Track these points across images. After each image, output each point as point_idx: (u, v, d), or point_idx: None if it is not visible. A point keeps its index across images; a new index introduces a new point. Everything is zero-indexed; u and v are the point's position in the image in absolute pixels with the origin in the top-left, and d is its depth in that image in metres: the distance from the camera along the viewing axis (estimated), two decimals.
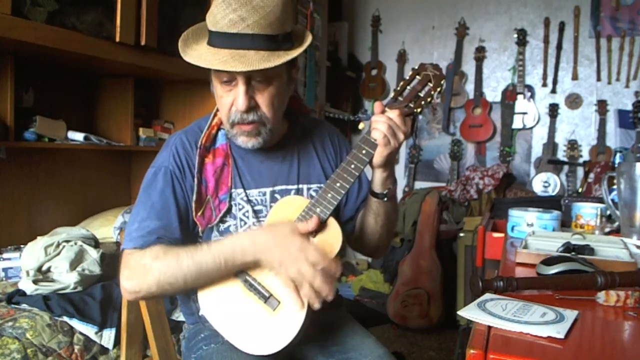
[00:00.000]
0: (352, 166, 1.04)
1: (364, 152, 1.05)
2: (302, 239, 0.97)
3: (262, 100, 1.05)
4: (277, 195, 1.15)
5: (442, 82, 1.08)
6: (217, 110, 1.15)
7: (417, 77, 1.09)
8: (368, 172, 1.12)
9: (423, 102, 1.08)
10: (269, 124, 1.07)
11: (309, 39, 1.09)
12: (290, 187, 1.16)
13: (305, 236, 0.98)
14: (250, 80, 1.02)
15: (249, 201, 1.12)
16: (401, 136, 1.04)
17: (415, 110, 1.08)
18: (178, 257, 0.98)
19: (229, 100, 1.05)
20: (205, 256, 0.98)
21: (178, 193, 1.08)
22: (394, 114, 1.03)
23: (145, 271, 0.98)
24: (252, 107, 1.04)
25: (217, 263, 0.98)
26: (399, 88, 1.09)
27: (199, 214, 1.08)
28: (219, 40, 1.00)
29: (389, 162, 1.07)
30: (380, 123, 1.03)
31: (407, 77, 1.10)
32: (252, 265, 1.00)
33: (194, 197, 1.08)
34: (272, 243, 0.97)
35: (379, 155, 1.05)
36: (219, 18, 0.98)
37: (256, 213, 1.12)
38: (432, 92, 1.08)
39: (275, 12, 0.99)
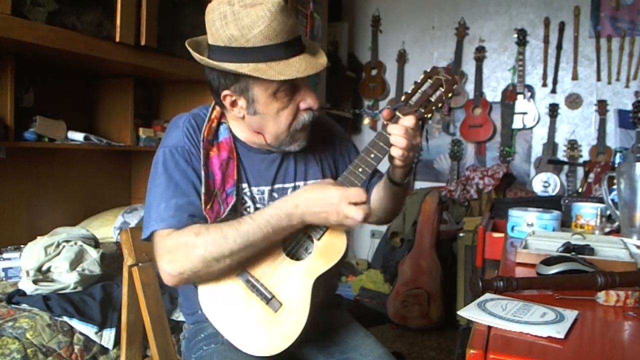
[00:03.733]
0: (360, 170, 1.04)
1: (372, 156, 1.04)
2: (337, 189, 0.98)
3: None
4: (275, 194, 1.15)
5: (454, 87, 1.07)
6: (215, 103, 1.14)
7: (429, 80, 1.07)
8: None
9: (434, 107, 1.07)
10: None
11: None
12: (287, 185, 1.16)
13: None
14: None
15: (252, 197, 1.12)
16: (418, 144, 1.04)
17: (425, 115, 1.06)
18: (222, 231, 0.98)
19: (293, 108, 1.06)
20: (251, 226, 0.98)
21: (198, 171, 1.07)
22: (410, 121, 1.01)
23: (187, 249, 0.97)
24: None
25: (265, 232, 0.98)
26: (410, 91, 1.07)
27: (208, 207, 1.06)
28: (279, 52, 0.99)
29: (409, 163, 1.09)
30: (398, 139, 1.01)
31: (419, 81, 1.08)
32: (300, 225, 1.01)
33: (203, 190, 1.06)
34: (314, 202, 0.98)
35: (399, 164, 1.06)
36: (279, 31, 0.97)
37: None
38: (444, 97, 1.07)
39: (288, 11, 1.01)
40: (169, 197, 1.03)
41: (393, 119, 1.04)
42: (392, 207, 1.21)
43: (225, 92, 1.05)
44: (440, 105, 1.07)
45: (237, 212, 1.11)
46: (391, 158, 1.06)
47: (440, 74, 1.07)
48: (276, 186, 1.15)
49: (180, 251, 0.97)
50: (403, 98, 1.07)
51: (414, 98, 1.07)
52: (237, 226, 0.98)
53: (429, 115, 1.07)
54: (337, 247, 1.04)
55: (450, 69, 1.10)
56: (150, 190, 1.08)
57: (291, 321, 1.01)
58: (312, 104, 1.06)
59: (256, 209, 1.12)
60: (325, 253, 1.03)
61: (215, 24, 0.99)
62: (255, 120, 1.07)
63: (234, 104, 1.07)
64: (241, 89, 1.03)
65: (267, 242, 1.00)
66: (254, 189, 1.14)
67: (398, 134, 1.00)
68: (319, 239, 1.04)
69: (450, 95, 1.07)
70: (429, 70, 1.09)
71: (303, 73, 1.00)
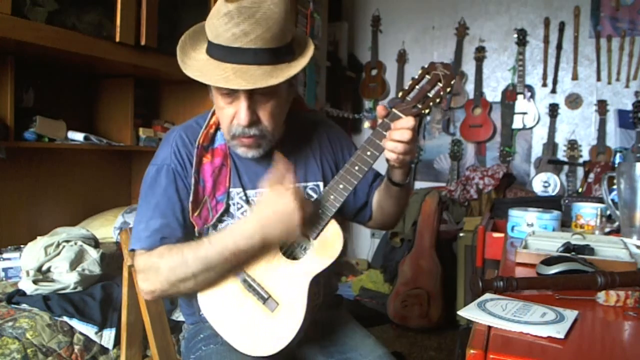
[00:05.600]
0: (356, 168, 1.03)
1: (368, 153, 1.03)
2: (291, 198, 0.95)
3: (264, 114, 1.04)
4: None
5: (452, 82, 1.04)
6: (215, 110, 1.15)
7: (427, 76, 1.05)
8: None
9: (431, 103, 1.04)
10: (269, 136, 1.07)
11: (310, 49, 1.06)
12: None
13: (292, 192, 0.96)
14: (252, 95, 1.01)
15: (247, 201, 1.12)
16: (414, 147, 1.01)
17: (423, 111, 1.04)
18: (183, 255, 0.99)
19: (230, 113, 1.04)
20: (208, 251, 0.98)
21: (181, 191, 1.08)
22: (406, 123, 0.99)
23: (155, 271, 1.01)
24: (254, 121, 1.03)
25: (224, 256, 0.98)
26: (407, 87, 1.05)
27: (196, 214, 1.08)
28: (220, 53, 0.98)
29: (407, 164, 1.07)
30: (392, 144, 0.99)
31: (417, 77, 1.05)
32: (260, 247, 0.99)
33: (191, 198, 1.08)
34: (270, 217, 0.96)
35: (396, 166, 1.05)
36: (221, 31, 0.96)
37: None
38: (442, 93, 1.04)
39: (278, 24, 0.97)
40: (149, 218, 1.05)
41: (389, 115, 1.02)
42: (395, 210, 1.20)
43: None
44: (438, 100, 1.04)
45: (233, 216, 1.11)
46: (387, 159, 1.04)
47: (438, 69, 1.05)
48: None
49: (149, 273, 1.02)
50: (400, 94, 1.05)
51: (411, 94, 1.04)
52: (196, 250, 0.99)
53: (427, 111, 1.04)
54: (334, 245, 1.02)
55: (448, 65, 1.07)
56: (138, 205, 1.11)
57: (288, 321, 1.00)
58: (239, 119, 1.02)
59: None
60: (321, 251, 1.02)
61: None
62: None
63: (209, 93, 1.09)
64: None
65: (230, 265, 1.00)
66: (252, 192, 1.13)
67: (393, 138, 0.99)
68: (315, 238, 1.03)
69: (448, 90, 1.04)
70: (426, 66, 1.07)
71: (214, 82, 0.98)
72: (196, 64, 1.02)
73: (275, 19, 0.96)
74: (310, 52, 1.06)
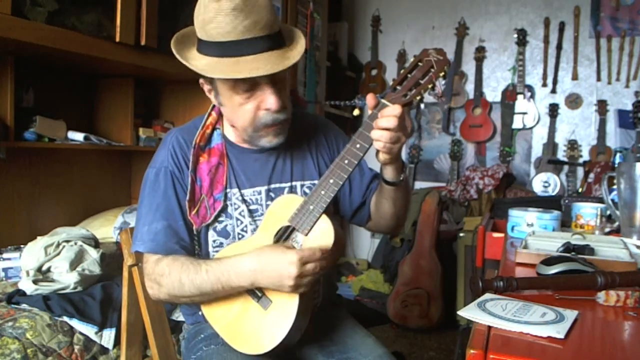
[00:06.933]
0: (346, 162, 1.02)
1: (357, 146, 1.01)
2: (294, 257, 0.95)
3: (284, 98, 1.07)
4: (271, 194, 1.15)
5: (445, 67, 1.01)
6: (212, 109, 1.16)
7: (419, 64, 1.02)
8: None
9: (422, 90, 1.01)
10: (290, 120, 1.10)
11: (298, 32, 1.10)
12: (283, 184, 1.16)
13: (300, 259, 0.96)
14: (274, 80, 1.04)
15: (244, 201, 1.13)
16: (404, 137, 1.00)
17: (413, 99, 1.01)
18: (180, 279, 1.02)
19: (251, 107, 1.04)
20: (203, 280, 1.01)
21: (179, 192, 1.10)
22: (395, 110, 0.97)
23: (158, 285, 1.06)
24: (283, 105, 1.06)
25: (216, 287, 1.01)
26: (398, 77, 1.03)
27: (193, 212, 1.09)
28: (233, 49, 0.98)
29: (396, 159, 1.05)
30: (379, 132, 0.98)
31: (408, 65, 1.03)
32: (249, 287, 1.02)
33: (187, 197, 1.09)
34: (266, 267, 0.98)
35: (383, 159, 1.04)
36: (230, 28, 0.96)
37: (251, 212, 1.13)
38: (434, 79, 1.01)
39: (269, 12, 1.00)
40: (151, 221, 1.08)
41: (377, 106, 1.01)
42: (391, 212, 1.17)
43: (200, 79, 1.09)
44: (430, 86, 1.01)
45: (231, 217, 1.12)
46: (377, 152, 1.03)
47: (430, 55, 1.02)
48: (272, 186, 1.16)
49: (153, 284, 1.07)
50: (391, 84, 1.03)
51: (403, 83, 1.02)
52: (193, 276, 1.02)
53: (418, 98, 1.02)
54: (325, 241, 1.01)
55: (442, 50, 1.04)
56: (138, 207, 1.13)
57: (280, 319, 1.00)
58: (271, 105, 1.03)
59: (249, 211, 1.13)
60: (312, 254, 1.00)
61: (195, 13, 1.02)
62: (225, 111, 1.11)
63: (209, 91, 1.10)
64: (208, 78, 1.06)
65: (222, 294, 1.03)
66: (249, 191, 1.14)
67: (379, 126, 0.98)
68: (306, 234, 1.02)
69: (441, 74, 1.01)
70: (419, 53, 1.04)
71: (249, 74, 0.97)
72: (218, 66, 1.00)
73: (269, 8, 1.00)
74: (300, 33, 1.10)
